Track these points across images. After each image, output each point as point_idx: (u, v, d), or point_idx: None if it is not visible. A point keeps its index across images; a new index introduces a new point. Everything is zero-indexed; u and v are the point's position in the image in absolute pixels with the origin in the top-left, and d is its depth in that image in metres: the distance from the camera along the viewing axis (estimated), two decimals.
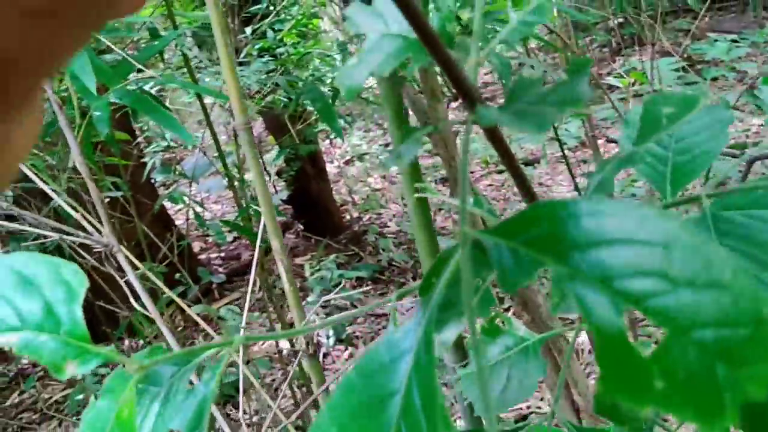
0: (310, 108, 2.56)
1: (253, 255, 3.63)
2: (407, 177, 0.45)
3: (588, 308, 0.21)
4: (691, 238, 0.21)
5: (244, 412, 2.42)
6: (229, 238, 3.64)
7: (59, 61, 0.19)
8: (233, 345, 0.35)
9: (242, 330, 1.29)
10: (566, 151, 2.70)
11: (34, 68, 0.18)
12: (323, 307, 2.74)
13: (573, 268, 0.23)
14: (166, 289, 1.05)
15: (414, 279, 3.03)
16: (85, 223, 0.88)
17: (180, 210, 3.68)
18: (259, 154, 2.26)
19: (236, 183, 1.49)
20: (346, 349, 2.48)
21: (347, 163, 4.54)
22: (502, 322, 0.40)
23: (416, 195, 0.45)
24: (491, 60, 0.95)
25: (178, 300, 1.26)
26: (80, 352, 0.36)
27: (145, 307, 1.15)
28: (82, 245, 1.56)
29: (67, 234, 0.91)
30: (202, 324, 1.26)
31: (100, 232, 0.88)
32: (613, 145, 3.22)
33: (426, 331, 0.27)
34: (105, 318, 2.26)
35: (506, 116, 0.29)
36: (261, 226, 0.92)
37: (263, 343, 2.63)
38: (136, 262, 0.97)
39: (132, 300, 1.46)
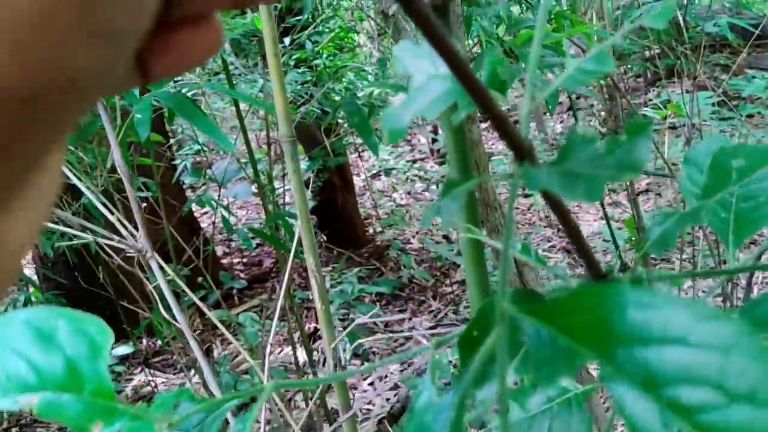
0: (340, 120, 2.56)
1: (275, 262, 3.63)
2: (462, 210, 0.44)
3: (631, 416, 0.19)
4: (752, 343, 0.19)
5: (257, 421, 2.42)
6: (253, 243, 3.65)
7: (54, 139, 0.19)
8: (265, 392, 0.34)
9: (262, 337, 1.28)
10: None
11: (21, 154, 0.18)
12: (342, 320, 2.73)
13: (616, 366, 0.21)
14: (192, 295, 1.05)
15: (434, 298, 3.01)
16: (119, 226, 0.89)
17: (206, 213, 3.70)
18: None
19: (266, 191, 1.50)
20: (362, 363, 2.46)
21: (374, 176, 4.54)
22: None
23: (468, 235, 0.44)
24: (534, 83, 0.94)
25: (201, 305, 1.26)
26: (107, 412, 0.34)
27: (170, 310, 1.15)
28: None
29: (101, 236, 0.91)
30: (221, 328, 1.26)
31: (133, 235, 0.88)
32: (644, 176, 3.18)
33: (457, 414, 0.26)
34: (125, 316, 2.27)
35: (556, 179, 0.28)
36: (296, 239, 0.92)
37: (280, 353, 2.62)
38: (167, 268, 0.97)
39: (159, 305, 1.47)
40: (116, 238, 0.89)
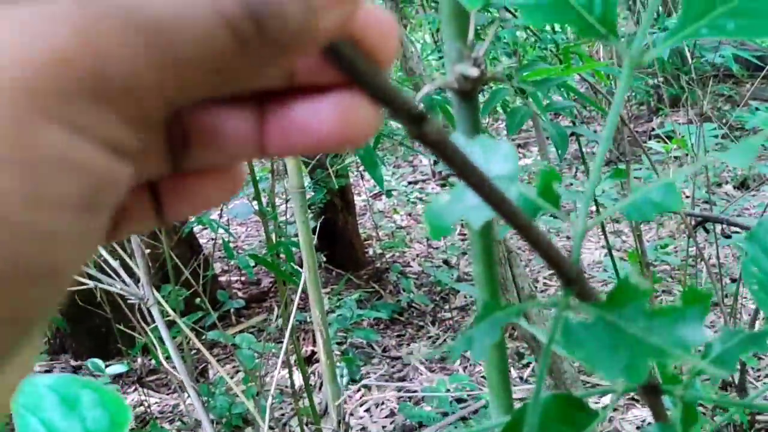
0: None
1: (274, 281, 3.60)
2: (478, 237, 0.42)
3: None
4: None
5: None
6: (251, 261, 3.63)
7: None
8: None
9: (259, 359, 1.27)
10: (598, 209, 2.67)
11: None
12: (339, 344, 2.71)
13: None
14: (186, 330, 1.03)
15: (433, 324, 2.99)
16: (123, 273, 0.87)
17: (206, 228, 3.69)
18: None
19: (268, 217, 1.48)
20: (359, 390, 2.43)
21: (375, 197, 4.53)
22: None
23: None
24: (547, 128, 0.93)
25: (191, 336, 1.24)
26: None
27: (162, 344, 1.13)
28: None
29: (102, 282, 0.90)
30: (212, 360, 1.24)
31: (133, 277, 0.87)
32: None
33: None
34: (121, 335, 2.25)
35: (596, 346, 0.26)
36: (300, 289, 0.90)
37: (274, 375, 2.59)
38: (170, 311, 0.96)
39: (152, 330, 1.45)
40: (119, 285, 0.87)
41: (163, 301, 1.11)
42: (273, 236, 1.52)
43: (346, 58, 0.20)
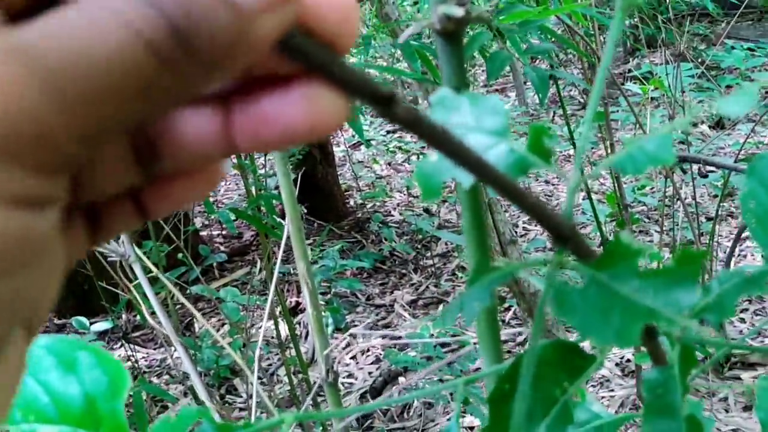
0: None
1: (255, 234, 3.60)
2: (466, 195, 0.42)
3: None
4: None
5: (239, 395, 2.42)
6: (232, 216, 3.62)
7: None
8: (285, 423, 0.33)
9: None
10: (572, 152, 2.66)
11: None
12: (323, 294, 2.73)
13: None
14: (170, 285, 1.03)
15: (415, 271, 3.01)
16: None
17: None
18: None
19: (247, 171, 1.47)
20: (345, 338, 2.46)
21: (354, 147, 4.51)
22: (576, 395, 0.37)
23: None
24: (528, 73, 0.92)
25: (175, 291, 1.24)
26: None
27: (147, 299, 1.13)
28: None
29: None
30: (193, 310, 1.25)
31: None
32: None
33: None
34: (104, 292, 2.25)
35: (589, 310, 0.25)
36: (283, 242, 0.89)
37: (259, 327, 2.62)
38: (152, 267, 0.95)
39: (130, 284, 1.44)
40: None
41: (144, 258, 1.10)
42: (253, 189, 1.51)
43: (301, 52, 0.19)
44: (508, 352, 2.25)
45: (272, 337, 2.51)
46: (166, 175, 0.22)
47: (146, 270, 1.10)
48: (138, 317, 2.79)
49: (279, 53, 0.19)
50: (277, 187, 1.91)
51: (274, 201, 1.54)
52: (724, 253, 2.24)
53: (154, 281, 2.19)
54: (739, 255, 2.49)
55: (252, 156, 1.46)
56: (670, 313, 0.25)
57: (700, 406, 0.55)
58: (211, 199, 3.20)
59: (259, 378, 2.20)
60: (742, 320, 2.21)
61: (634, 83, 3.04)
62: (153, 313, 2.15)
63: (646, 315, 0.25)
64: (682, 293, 0.25)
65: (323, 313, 2.57)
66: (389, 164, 4.26)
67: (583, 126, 0.34)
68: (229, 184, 4.31)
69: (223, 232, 3.56)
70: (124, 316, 2.73)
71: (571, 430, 0.38)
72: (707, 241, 2.18)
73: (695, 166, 2.15)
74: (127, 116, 0.17)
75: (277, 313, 2.17)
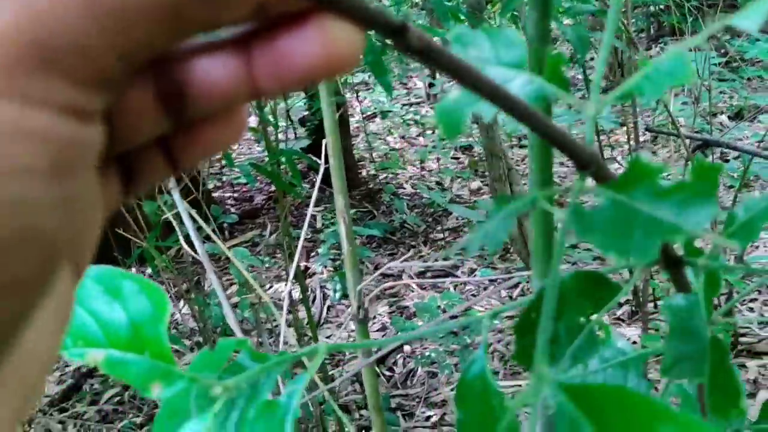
0: None
1: (266, 199, 3.62)
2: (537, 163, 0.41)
3: None
4: None
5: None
6: (243, 179, 3.62)
7: None
8: (319, 353, 0.33)
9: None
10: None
11: None
12: (332, 260, 2.73)
13: None
14: (205, 226, 1.04)
15: (425, 244, 3.02)
16: None
17: None
18: (284, 99, 2.23)
19: (269, 124, 1.47)
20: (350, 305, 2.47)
21: (369, 118, 4.49)
22: (601, 330, 0.37)
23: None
24: (566, 32, 0.91)
25: (219, 242, 1.24)
26: (166, 374, 0.36)
27: (165, 240, 1.13)
28: None
29: None
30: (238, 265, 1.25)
31: None
32: (648, 134, 3.16)
33: None
34: (117, 244, 2.26)
35: (609, 226, 0.25)
36: (319, 178, 0.89)
37: (269, 289, 2.63)
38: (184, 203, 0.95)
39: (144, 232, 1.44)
40: None
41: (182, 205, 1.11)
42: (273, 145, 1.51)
43: None
44: None
45: (279, 300, 2.52)
46: (194, 122, 0.23)
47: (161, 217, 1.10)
48: (149, 271, 2.80)
49: None
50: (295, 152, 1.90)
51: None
52: None
53: (168, 235, 2.19)
54: (751, 245, 2.48)
55: (275, 112, 1.46)
56: (690, 226, 0.24)
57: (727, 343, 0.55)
58: (222, 162, 3.20)
59: (268, 337, 2.22)
60: (751, 309, 2.21)
61: None
62: (165, 268, 2.16)
63: (666, 230, 0.25)
64: (700, 207, 0.25)
65: (332, 279, 2.58)
66: (403, 137, 4.25)
67: (600, 52, 0.34)
68: (242, 147, 4.31)
69: (234, 195, 3.56)
70: (134, 269, 2.75)
71: (597, 365, 0.38)
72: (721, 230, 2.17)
73: (717, 154, 2.13)
74: (158, 39, 0.18)
75: (291, 275, 2.18)
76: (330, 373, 2.17)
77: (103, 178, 0.21)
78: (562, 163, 3.63)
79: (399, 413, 2.05)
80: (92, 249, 0.20)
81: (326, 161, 0.84)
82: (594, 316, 0.34)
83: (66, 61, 0.17)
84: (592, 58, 4.62)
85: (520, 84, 0.33)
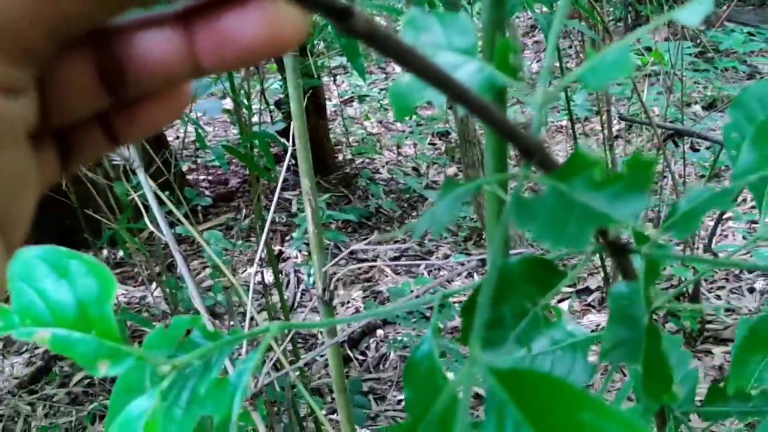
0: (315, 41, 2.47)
1: (241, 182, 3.59)
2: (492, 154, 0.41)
3: None
4: None
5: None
6: (217, 163, 3.59)
7: None
8: (269, 333, 0.33)
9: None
10: (565, 122, 2.66)
11: None
12: (307, 244, 2.73)
13: None
14: (173, 210, 1.03)
15: (400, 229, 3.02)
16: None
17: (173, 126, 3.61)
18: (260, 82, 2.20)
19: (242, 107, 1.45)
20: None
21: (346, 102, 4.47)
22: (552, 313, 0.38)
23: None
24: (539, 19, 0.91)
25: (189, 223, 1.23)
26: (113, 353, 0.36)
27: (137, 222, 1.12)
28: None
29: None
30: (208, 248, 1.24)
31: None
32: (621, 123, 3.18)
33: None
34: (87, 226, 2.23)
35: (547, 218, 0.26)
36: (286, 161, 0.89)
37: (243, 272, 2.62)
38: (151, 184, 0.94)
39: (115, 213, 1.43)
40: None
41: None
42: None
43: None
44: None
45: (258, 283, 2.51)
46: (135, 98, 0.22)
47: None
48: (118, 255, 2.78)
49: None
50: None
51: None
52: (706, 232, 2.26)
53: (140, 217, 2.17)
54: (720, 234, 2.52)
55: (248, 94, 1.44)
56: (621, 217, 0.25)
57: (680, 340, 0.56)
58: (197, 144, 3.17)
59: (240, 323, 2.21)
60: (718, 297, 2.25)
61: (636, 54, 3.03)
62: (137, 250, 2.14)
63: (599, 219, 0.25)
64: (633, 199, 0.25)
65: (306, 263, 2.57)
66: (380, 122, 4.24)
67: (549, 44, 0.34)
68: (217, 130, 4.27)
69: (209, 177, 3.54)
70: (105, 252, 2.72)
71: (547, 347, 0.39)
72: None
73: (688, 143, 2.16)
74: (91, 11, 0.18)
75: (258, 258, 2.17)
76: (303, 356, 2.18)
77: (38, 152, 0.21)
78: None
79: (371, 397, 2.06)
80: (25, 224, 0.20)
81: (294, 144, 0.83)
82: (540, 301, 0.35)
83: None
84: (570, 46, 4.64)
85: (470, 71, 0.33)
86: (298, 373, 1.69)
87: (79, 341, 0.36)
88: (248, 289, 2.46)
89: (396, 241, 2.92)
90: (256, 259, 1.15)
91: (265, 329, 0.36)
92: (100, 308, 0.37)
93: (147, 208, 1.58)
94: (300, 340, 2.31)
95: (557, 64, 1.99)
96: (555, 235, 0.25)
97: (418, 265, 2.72)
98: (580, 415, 0.20)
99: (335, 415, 2.03)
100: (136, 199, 1.27)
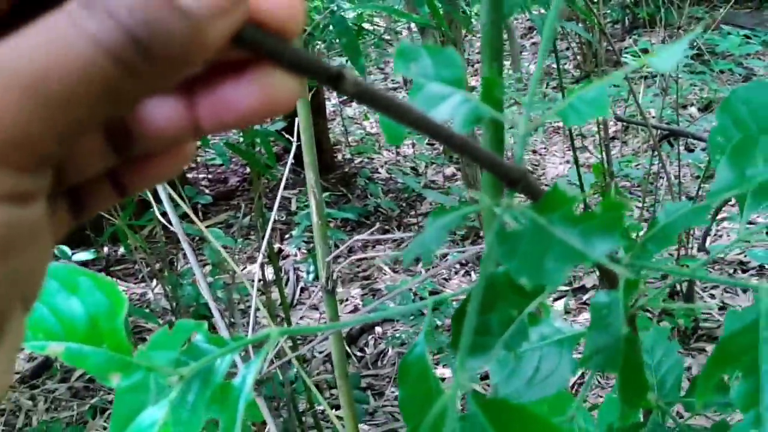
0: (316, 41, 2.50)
1: (240, 180, 3.59)
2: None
3: None
4: None
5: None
6: (218, 161, 3.61)
7: None
8: (271, 338, 0.35)
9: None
10: (562, 123, 2.67)
11: None
12: (306, 242, 2.75)
13: None
14: (185, 206, 1.05)
15: (399, 228, 3.05)
16: None
17: None
18: None
19: None
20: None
21: (345, 102, 4.49)
22: (540, 311, 0.40)
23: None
24: (535, 20, 0.94)
25: (192, 214, 1.26)
26: (124, 365, 0.38)
27: (138, 219, 1.14)
28: None
29: None
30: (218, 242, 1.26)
31: None
32: (611, 124, 3.21)
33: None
34: (90, 223, 2.25)
35: (523, 250, 0.28)
36: (291, 155, 0.91)
37: (243, 270, 2.64)
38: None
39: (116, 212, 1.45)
40: None
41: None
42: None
43: (252, 42, 0.21)
44: None
45: (259, 281, 2.53)
46: (140, 156, 0.24)
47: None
48: (119, 251, 2.80)
49: (232, 45, 0.21)
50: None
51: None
52: (701, 231, 2.29)
53: (141, 214, 2.18)
54: (715, 234, 2.55)
55: None
56: (594, 254, 0.27)
57: (667, 331, 0.59)
58: (212, 144, 3.19)
59: (239, 320, 2.23)
60: (712, 296, 2.28)
61: (633, 56, 3.06)
62: (138, 247, 2.16)
63: (574, 256, 0.27)
64: (604, 238, 0.27)
65: (305, 261, 2.59)
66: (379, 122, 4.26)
67: (534, 74, 0.36)
68: None
69: (209, 176, 3.56)
70: (106, 248, 2.74)
71: (536, 344, 0.41)
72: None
73: (683, 144, 2.18)
74: (97, 116, 0.19)
75: (259, 255, 2.19)
76: (302, 353, 2.20)
77: (52, 210, 0.23)
78: (534, 151, 3.68)
79: (369, 392, 2.09)
80: (42, 281, 0.22)
81: (298, 139, 0.85)
82: (525, 310, 0.37)
83: (8, 152, 0.18)
84: (568, 48, 4.66)
85: (456, 102, 0.35)
86: (297, 367, 1.71)
87: (90, 354, 0.38)
88: (250, 285, 2.47)
89: (394, 240, 2.94)
90: (261, 252, 1.17)
91: (265, 335, 0.38)
92: (111, 322, 0.39)
93: (150, 203, 1.60)
94: (298, 338, 2.33)
95: (554, 66, 2.01)
96: (533, 272, 0.27)
97: (417, 263, 2.74)
98: None
99: (335, 411, 2.05)
100: (148, 193, 1.28)
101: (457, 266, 2.68)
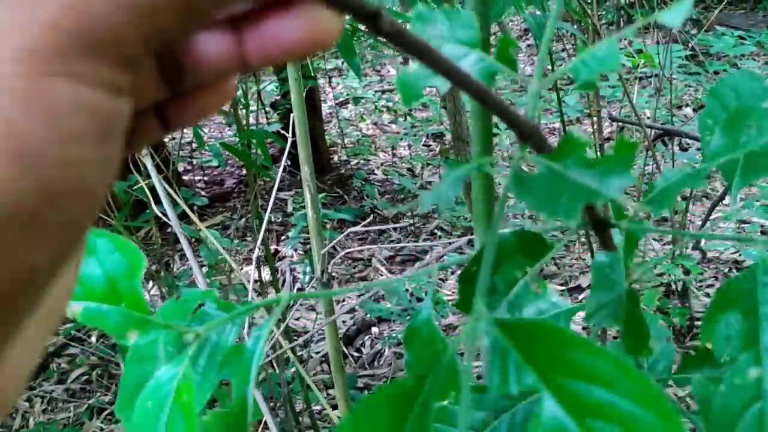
0: None
1: (236, 182, 3.60)
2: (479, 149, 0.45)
3: None
4: None
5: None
6: (214, 163, 3.61)
7: None
8: (281, 303, 0.36)
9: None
10: (558, 125, 2.69)
11: None
12: (302, 243, 2.76)
13: None
14: (184, 204, 1.05)
15: (395, 230, 3.05)
16: None
17: None
18: (256, 83, 2.23)
19: (241, 106, 1.48)
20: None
21: (341, 104, 4.50)
22: (537, 287, 0.41)
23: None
24: (526, 19, 0.95)
25: (194, 217, 1.26)
26: (142, 323, 0.38)
27: (134, 218, 1.14)
28: None
29: None
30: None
31: None
32: (606, 125, 3.22)
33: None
34: None
35: (539, 190, 0.29)
36: (286, 152, 0.92)
37: (240, 271, 2.64)
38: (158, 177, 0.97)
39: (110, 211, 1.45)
40: None
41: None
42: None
43: None
44: None
45: (255, 281, 2.54)
46: (188, 90, 0.26)
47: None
48: None
49: None
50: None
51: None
52: (696, 230, 2.30)
53: (137, 215, 2.18)
54: (713, 220, 2.56)
55: (246, 92, 1.47)
56: (608, 193, 0.28)
57: (657, 318, 0.59)
58: (193, 145, 3.20)
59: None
60: (707, 295, 2.29)
61: (627, 56, 3.07)
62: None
63: (588, 194, 0.28)
64: (618, 177, 0.29)
65: (302, 262, 2.60)
66: (375, 124, 4.27)
67: (544, 41, 0.37)
68: (213, 131, 4.29)
69: (205, 178, 3.56)
70: None
71: (533, 317, 0.42)
72: (680, 219, 2.24)
73: (677, 144, 2.19)
74: (175, 27, 0.22)
75: (255, 257, 2.20)
76: (299, 353, 2.21)
77: None
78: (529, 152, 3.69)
79: (366, 393, 2.09)
80: (105, 197, 0.24)
81: (293, 135, 0.86)
82: (529, 270, 0.38)
83: (106, 48, 0.20)
84: (563, 50, 4.68)
85: (472, 60, 0.37)
86: (296, 365, 1.72)
87: (109, 313, 0.38)
88: (247, 283, 2.48)
89: (391, 241, 2.95)
90: (256, 248, 1.17)
91: (276, 300, 0.39)
92: (129, 282, 0.40)
93: (147, 205, 1.60)
94: (295, 336, 2.33)
95: (549, 67, 2.02)
96: (549, 208, 0.29)
97: (413, 264, 2.75)
98: (572, 354, 0.23)
99: (333, 411, 2.06)
100: (146, 190, 1.29)
101: (454, 267, 2.68)
